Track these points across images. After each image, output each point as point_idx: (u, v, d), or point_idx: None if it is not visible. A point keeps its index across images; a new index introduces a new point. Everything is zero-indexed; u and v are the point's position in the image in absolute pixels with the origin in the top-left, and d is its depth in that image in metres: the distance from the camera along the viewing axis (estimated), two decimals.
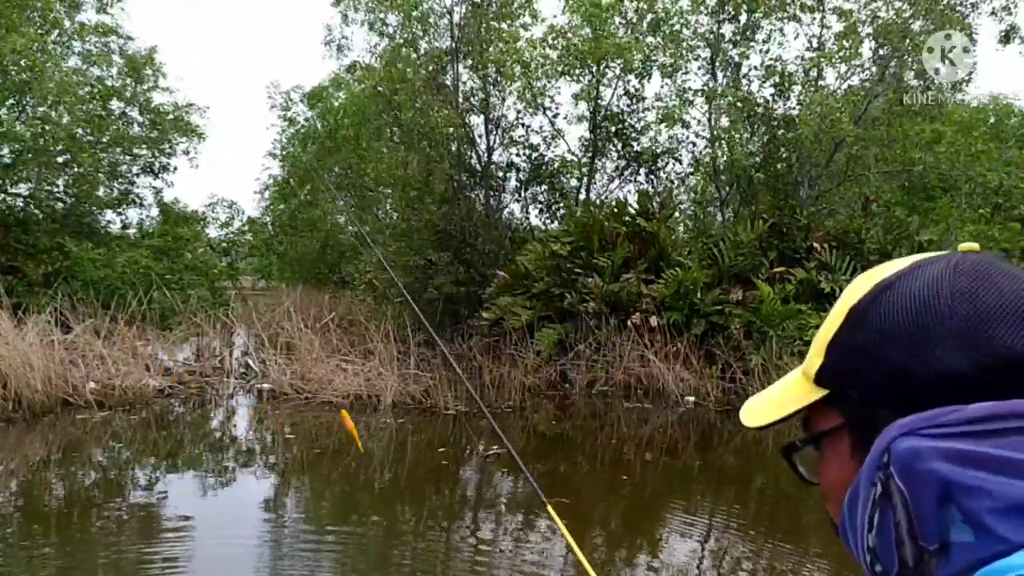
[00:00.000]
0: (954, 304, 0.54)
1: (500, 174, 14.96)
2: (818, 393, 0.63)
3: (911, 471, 0.50)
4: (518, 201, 15.46)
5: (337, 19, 15.39)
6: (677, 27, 12.74)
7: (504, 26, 13.78)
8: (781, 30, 12.82)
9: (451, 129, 13.59)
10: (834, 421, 0.62)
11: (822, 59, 12.27)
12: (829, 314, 0.65)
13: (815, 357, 0.63)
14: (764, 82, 12.94)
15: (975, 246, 0.60)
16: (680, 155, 14.46)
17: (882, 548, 0.53)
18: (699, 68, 13.31)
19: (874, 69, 12.45)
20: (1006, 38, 11.98)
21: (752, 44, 12.93)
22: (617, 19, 13.00)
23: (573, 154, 14.97)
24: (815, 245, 11.48)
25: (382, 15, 14.37)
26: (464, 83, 14.48)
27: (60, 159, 14.61)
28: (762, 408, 0.70)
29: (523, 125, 14.65)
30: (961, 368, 0.53)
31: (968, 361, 0.53)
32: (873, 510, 0.53)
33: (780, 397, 0.68)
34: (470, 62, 14.06)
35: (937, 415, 0.51)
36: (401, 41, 14.46)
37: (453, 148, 14.34)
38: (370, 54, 15.13)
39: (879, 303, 0.58)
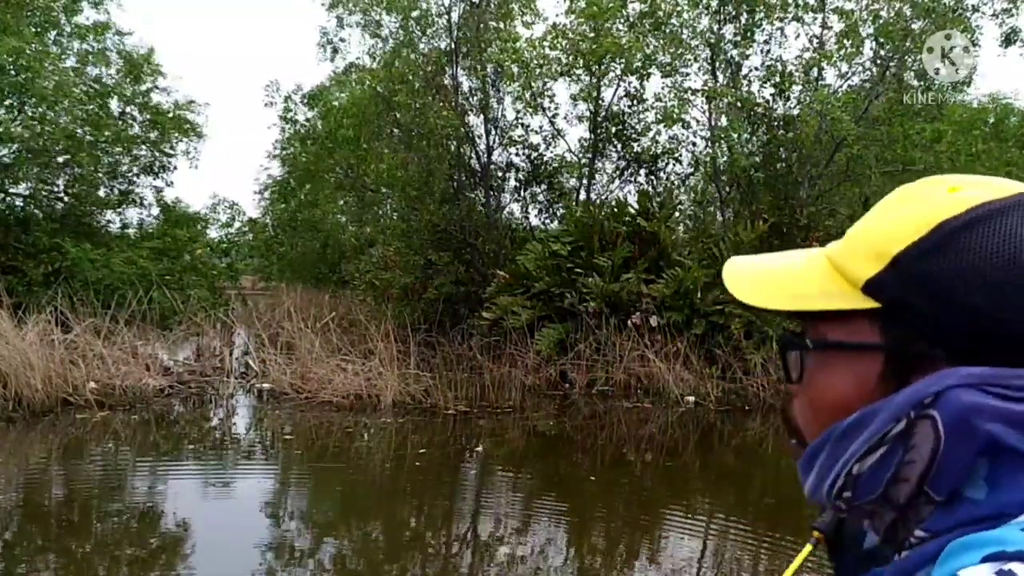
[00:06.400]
0: None
1: (500, 174, 14.96)
2: (861, 302, 0.54)
3: (964, 425, 0.48)
4: (517, 201, 15.48)
5: (332, 23, 15.26)
6: (677, 27, 12.73)
7: (502, 26, 13.77)
8: (782, 30, 12.83)
9: (451, 129, 13.58)
10: (868, 337, 0.54)
11: (823, 59, 12.27)
12: (890, 212, 0.56)
13: (870, 261, 0.54)
14: (764, 82, 12.94)
15: None
16: (680, 155, 14.46)
17: (868, 478, 0.52)
18: (699, 68, 13.31)
19: (874, 69, 12.45)
20: (1007, 41, 11.98)
21: (752, 44, 12.93)
22: (619, 22, 12.98)
23: (573, 154, 14.99)
24: (815, 245, 11.41)
25: (377, 17, 14.35)
26: (463, 83, 14.49)
27: (60, 159, 14.61)
28: (769, 287, 0.61)
29: (522, 125, 14.67)
30: None
31: None
32: (880, 443, 0.51)
33: (796, 284, 0.59)
34: (468, 62, 14.06)
35: (1008, 376, 0.48)
36: (396, 42, 14.43)
37: (453, 148, 14.35)
38: (368, 56, 15.14)
39: (977, 234, 0.51)
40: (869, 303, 0.54)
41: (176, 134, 16.60)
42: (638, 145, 14.42)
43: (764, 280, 0.62)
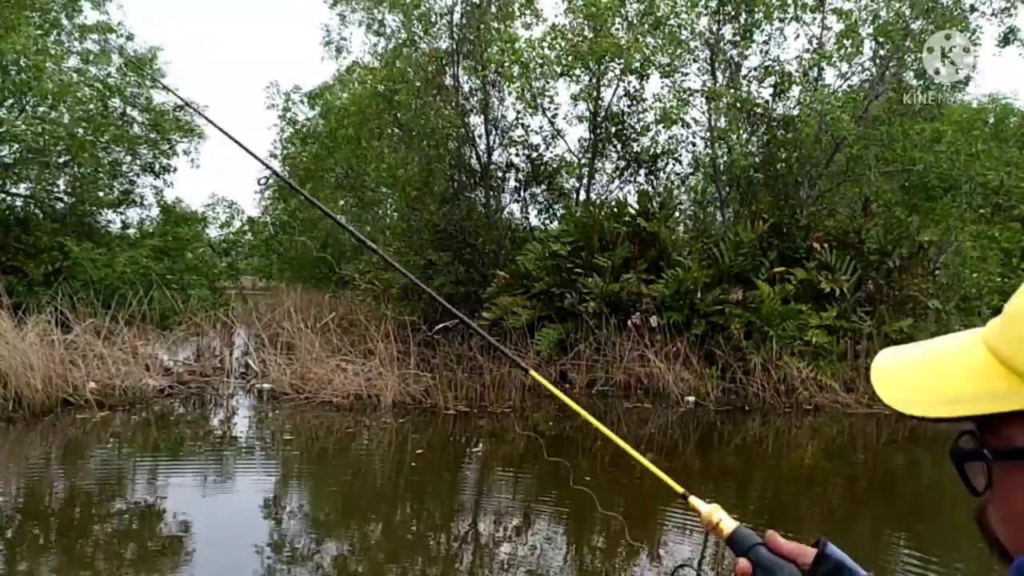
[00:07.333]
0: None
1: (500, 174, 14.96)
2: None
3: None
4: (517, 201, 15.49)
5: (335, 20, 15.31)
6: (676, 27, 12.73)
7: (503, 26, 13.78)
8: (781, 31, 12.84)
9: (451, 129, 13.59)
10: None
11: (822, 59, 12.26)
12: None
13: None
14: (763, 82, 12.95)
15: None
16: (680, 155, 14.48)
17: None
18: (698, 68, 13.32)
19: (874, 69, 12.45)
20: (1005, 40, 11.99)
21: (751, 44, 12.94)
22: (618, 20, 12.99)
23: (573, 154, 14.99)
24: (815, 245, 11.48)
25: (380, 16, 14.36)
26: (464, 83, 14.49)
27: (61, 159, 14.61)
28: (921, 389, 0.51)
29: (522, 125, 14.67)
30: None
31: None
32: None
33: (954, 384, 0.50)
34: (468, 62, 14.06)
35: None
36: (399, 41, 14.43)
37: (453, 148, 14.35)
38: (369, 55, 15.15)
39: None
40: None
41: (176, 135, 16.60)
42: (638, 145, 14.43)
43: (915, 380, 0.52)
